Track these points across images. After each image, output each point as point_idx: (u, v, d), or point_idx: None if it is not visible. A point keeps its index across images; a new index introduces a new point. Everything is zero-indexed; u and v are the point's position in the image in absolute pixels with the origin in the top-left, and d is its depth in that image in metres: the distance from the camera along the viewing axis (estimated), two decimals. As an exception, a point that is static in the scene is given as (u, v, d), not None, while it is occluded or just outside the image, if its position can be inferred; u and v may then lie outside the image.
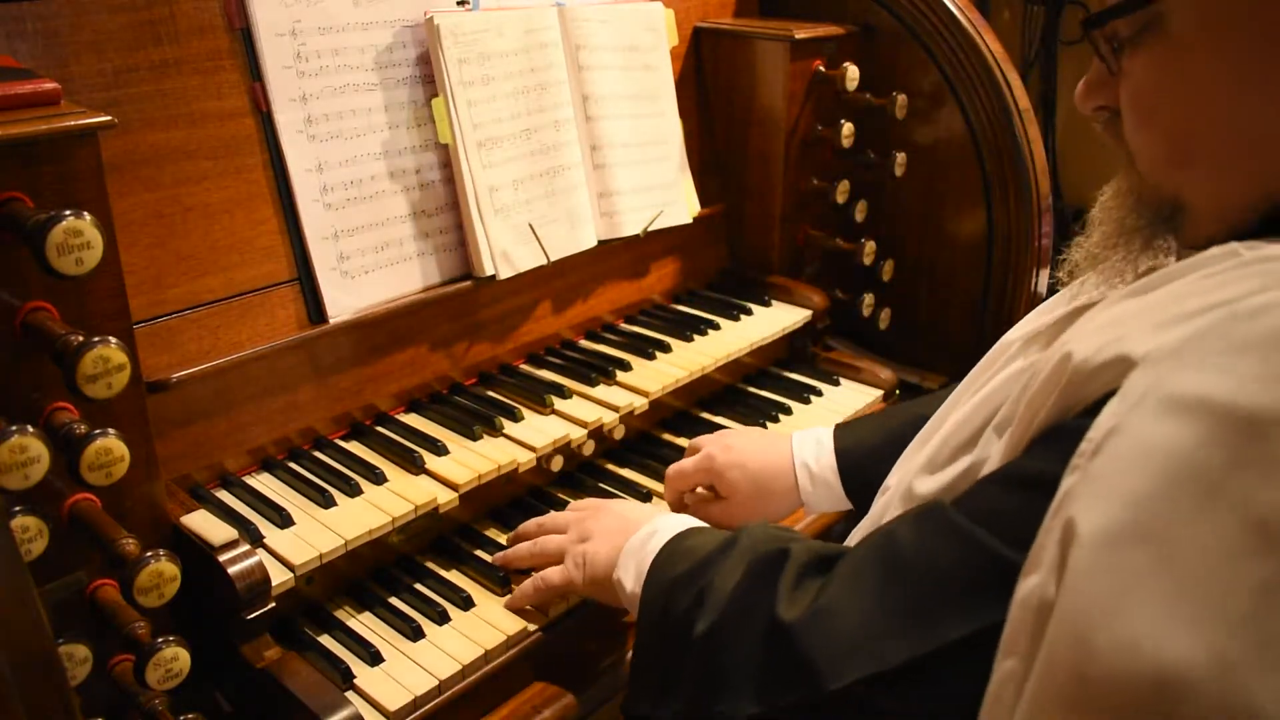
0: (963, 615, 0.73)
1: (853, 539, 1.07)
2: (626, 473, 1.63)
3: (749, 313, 1.93)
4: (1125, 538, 0.59)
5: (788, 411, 1.80)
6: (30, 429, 0.92)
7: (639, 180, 1.83)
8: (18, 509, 0.95)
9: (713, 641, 0.93)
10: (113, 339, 0.96)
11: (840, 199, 2.01)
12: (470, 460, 1.42)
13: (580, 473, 1.61)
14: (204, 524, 1.16)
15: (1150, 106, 0.80)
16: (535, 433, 1.50)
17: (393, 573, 1.37)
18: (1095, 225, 0.94)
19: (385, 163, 1.52)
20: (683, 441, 1.70)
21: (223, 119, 1.36)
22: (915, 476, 0.95)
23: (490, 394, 1.61)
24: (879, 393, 1.88)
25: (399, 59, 1.54)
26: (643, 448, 1.69)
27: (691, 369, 1.71)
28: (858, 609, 0.80)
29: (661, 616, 1.01)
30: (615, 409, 1.58)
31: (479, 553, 1.41)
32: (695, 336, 1.82)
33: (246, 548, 1.15)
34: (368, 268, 1.50)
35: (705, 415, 1.80)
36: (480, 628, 1.27)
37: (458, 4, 1.62)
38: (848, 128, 1.95)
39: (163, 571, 1.00)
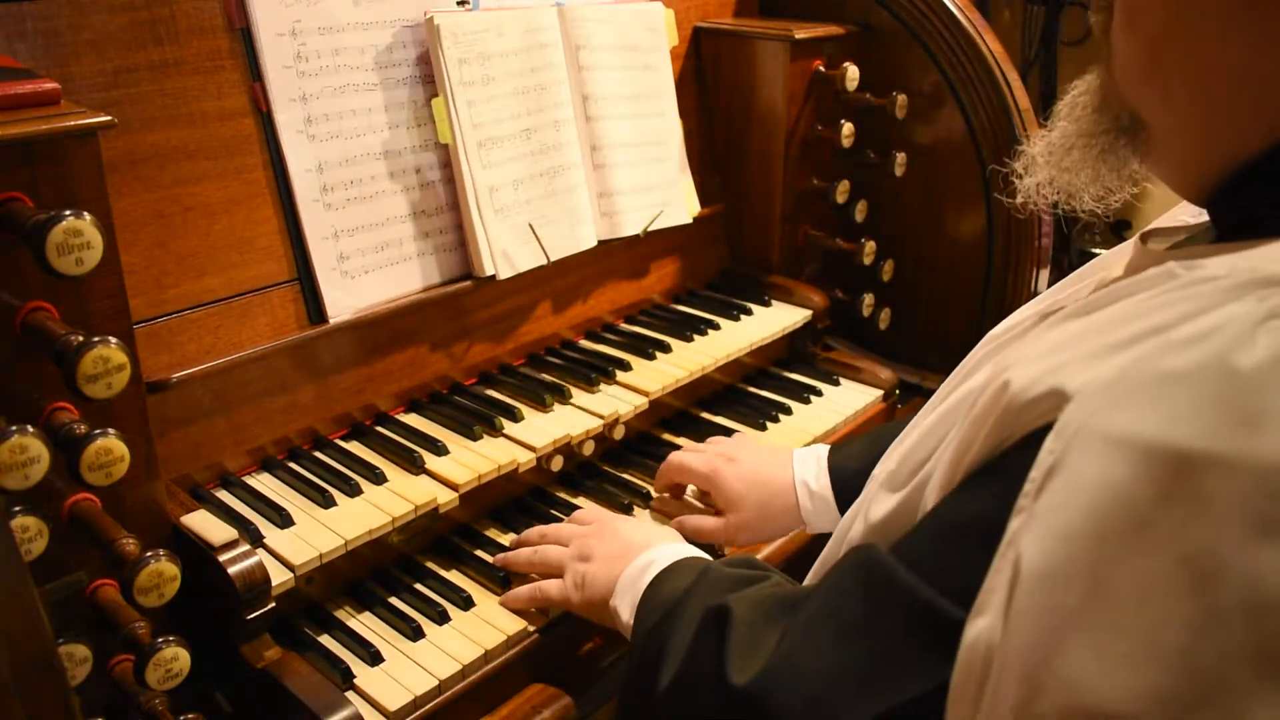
0: (911, 676, 0.72)
1: (835, 537, 1.05)
2: (626, 473, 1.63)
3: (749, 313, 1.93)
4: (1059, 576, 0.59)
5: (788, 411, 1.80)
6: (30, 429, 0.92)
7: (639, 180, 1.83)
8: (18, 509, 0.95)
9: (672, 699, 0.92)
10: (113, 339, 0.96)
11: (840, 199, 2.01)
12: (470, 460, 1.42)
13: (580, 473, 1.61)
14: (204, 524, 1.16)
15: (1141, 8, 0.75)
16: (535, 433, 1.50)
17: (393, 573, 1.37)
18: (1059, 118, 0.90)
19: (385, 163, 1.52)
20: (683, 441, 1.71)
21: (223, 119, 1.36)
22: (876, 493, 0.94)
23: (490, 394, 1.61)
24: (879, 393, 1.88)
25: (399, 59, 1.54)
26: (643, 448, 1.69)
27: (691, 369, 1.71)
28: (807, 673, 0.79)
29: (639, 663, 1.01)
30: (615, 409, 1.58)
31: (479, 553, 1.41)
32: (695, 336, 1.82)
33: (246, 548, 1.14)
34: (368, 268, 1.50)
35: (705, 415, 1.80)
36: (480, 628, 1.27)
37: (458, 4, 1.62)
38: (848, 128, 1.95)
39: (163, 571, 1.00)
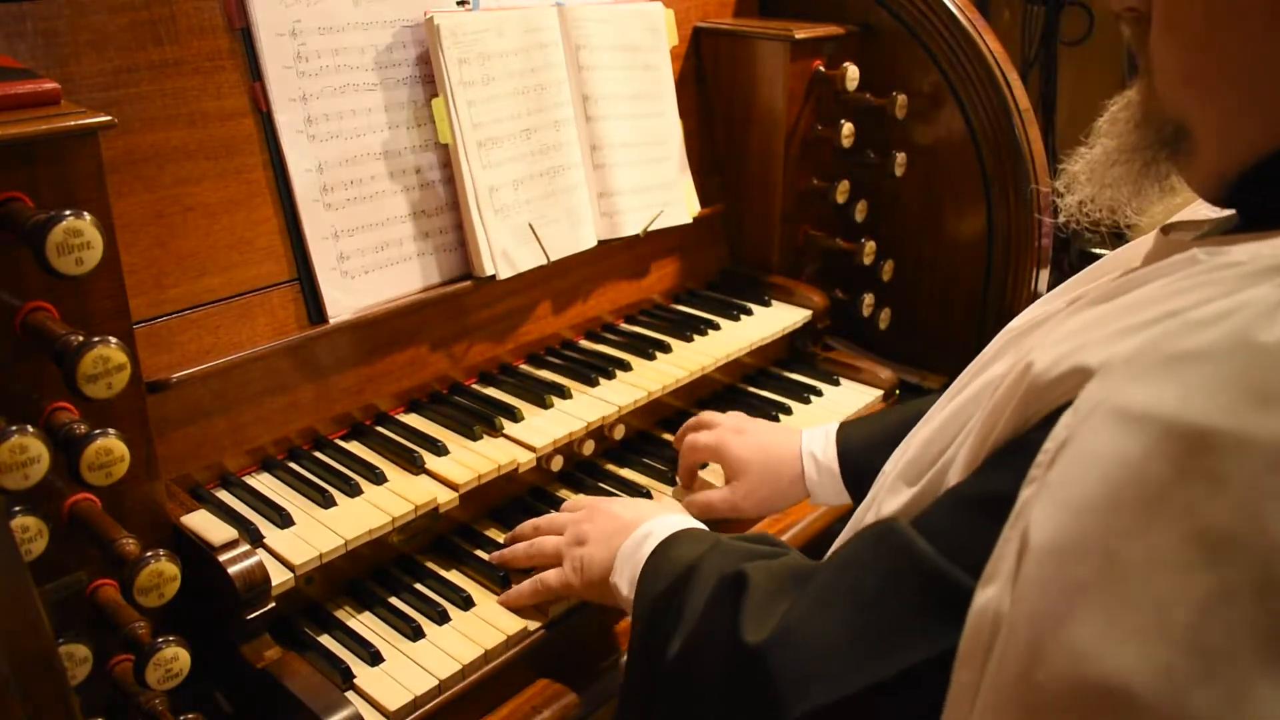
0: (921, 641, 0.73)
1: (850, 528, 1.06)
2: (626, 473, 1.63)
3: (749, 313, 1.93)
4: (1070, 548, 0.60)
5: (788, 411, 1.80)
6: (30, 429, 0.92)
7: (639, 180, 1.83)
8: (18, 509, 0.95)
9: (682, 663, 0.93)
10: (113, 339, 0.96)
11: (840, 199, 2.01)
12: (470, 460, 1.42)
13: (580, 472, 1.61)
14: (204, 524, 1.16)
15: (1182, 12, 0.76)
16: (535, 433, 1.50)
17: (393, 573, 1.37)
18: (1099, 135, 0.91)
19: (385, 163, 1.52)
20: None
21: (223, 119, 1.36)
22: (891, 484, 0.94)
23: (490, 394, 1.61)
24: (879, 393, 1.88)
25: (399, 59, 1.54)
26: (643, 448, 1.69)
27: (691, 369, 1.71)
28: (820, 634, 0.80)
29: (647, 633, 1.02)
30: (615, 409, 1.58)
31: (479, 552, 1.41)
32: (695, 336, 1.82)
33: (246, 548, 1.14)
34: (368, 268, 1.50)
35: (705, 415, 1.80)
36: (480, 627, 1.27)
37: (458, 4, 1.62)
38: (848, 128, 1.95)
39: (163, 571, 1.00)
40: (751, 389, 1.89)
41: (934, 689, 0.70)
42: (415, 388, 1.58)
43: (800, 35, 1.89)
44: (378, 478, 1.37)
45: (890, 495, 0.92)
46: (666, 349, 1.76)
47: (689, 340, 1.81)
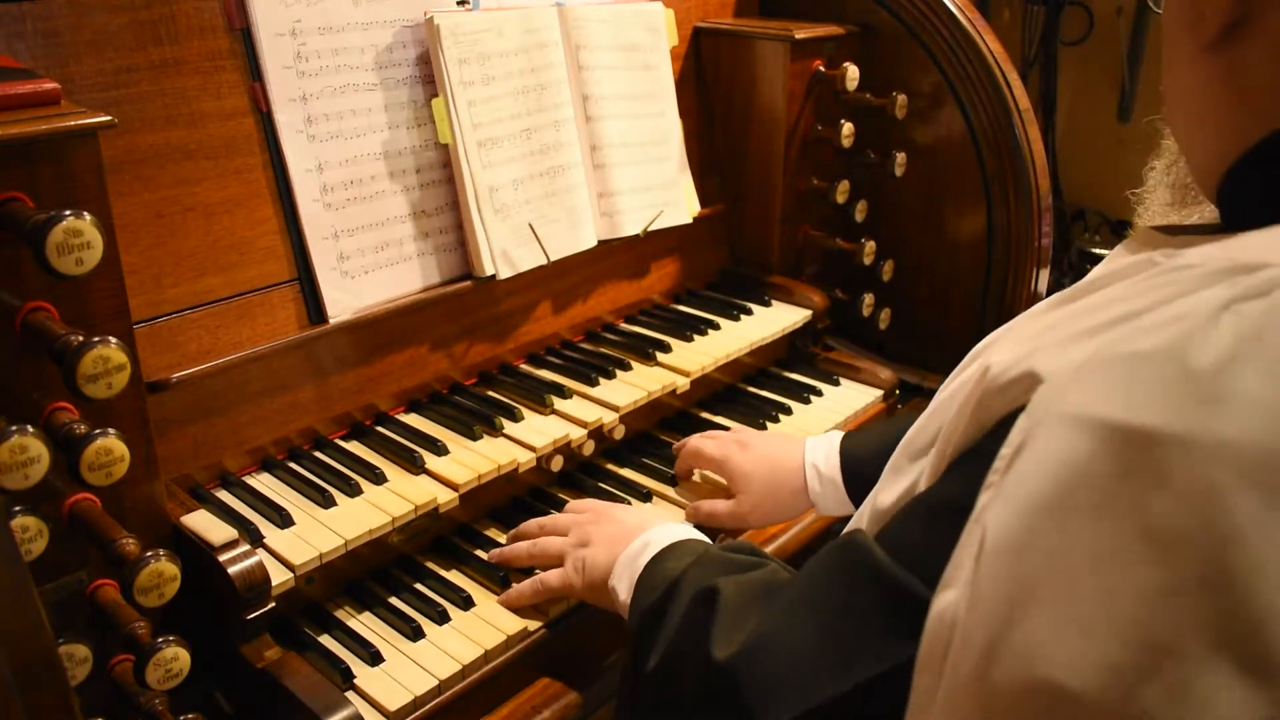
0: (881, 654, 0.74)
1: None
2: (626, 473, 1.63)
3: (749, 313, 1.93)
4: (1021, 547, 0.61)
5: (788, 411, 1.80)
6: (30, 429, 0.92)
7: (639, 180, 1.83)
8: (18, 509, 0.95)
9: (661, 676, 0.95)
10: (113, 339, 0.96)
11: (840, 199, 2.01)
12: (470, 460, 1.42)
13: (580, 473, 1.61)
14: (204, 524, 1.16)
15: (1164, 45, 0.83)
16: (535, 433, 1.50)
17: (393, 573, 1.37)
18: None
19: (385, 163, 1.52)
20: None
21: (223, 119, 1.36)
22: (885, 480, 0.95)
23: (490, 394, 1.61)
24: (879, 393, 1.88)
25: (399, 59, 1.54)
26: (643, 448, 1.69)
27: (691, 369, 1.71)
28: (785, 649, 0.82)
29: (634, 645, 1.04)
30: (615, 409, 1.58)
31: (479, 552, 1.41)
32: (695, 336, 1.82)
33: (246, 548, 1.15)
34: (368, 268, 1.50)
35: (705, 415, 1.80)
36: (480, 627, 1.27)
37: (458, 4, 1.62)
38: (848, 128, 1.95)
39: (163, 571, 1.00)
40: (751, 389, 1.89)
41: (897, 698, 0.71)
42: (415, 388, 1.58)
43: (800, 35, 1.89)
44: (378, 478, 1.37)
45: (883, 493, 0.93)
46: (666, 349, 1.76)
47: (689, 340, 1.81)
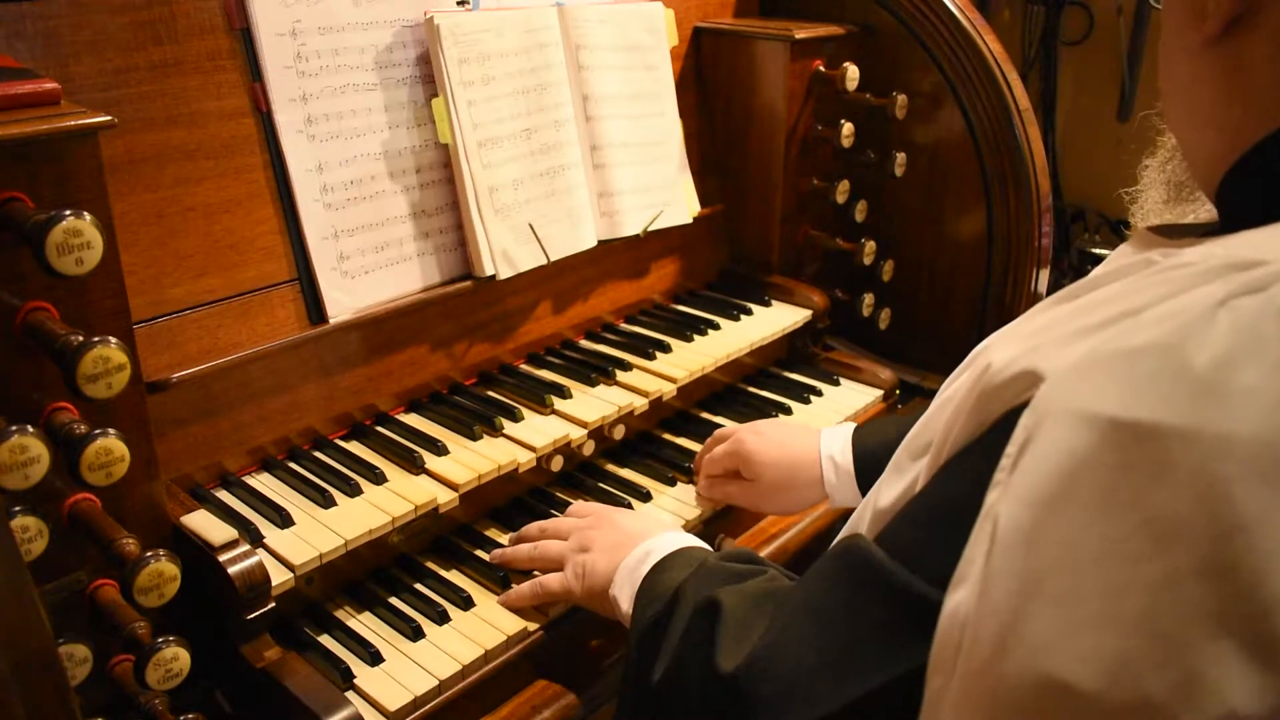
0: (889, 657, 0.74)
1: (848, 528, 1.07)
2: (626, 473, 1.63)
3: (749, 313, 1.93)
4: (1028, 541, 0.61)
5: (788, 411, 1.80)
6: (30, 429, 0.92)
7: (639, 180, 1.83)
8: (18, 509, 0.95)
9: (666, 689, 0.95)
10: (113, 339, 0.96)
11: (840, 199, 2.01)
12: (470, 460, 1.42)
13: (580, 473, 1.61)
14: (204, 524, 1.16)
15: (1160, 42, 0.83)
16: (535, 433, 1.50)
17: (393, 573, 1.37)
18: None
19: (385, 163, 1.52)
20: (683, 441, 1.71)
21: (223, 119, 1.36)
22: (886, 478, 0.95)
23: (490, 394, 1.61)
24: (879, 393, 1.88)
25: (399, 59, 1.54)
26: (643, 448, 1.69)
27: (692, 369, 1.71)
28: (791, 658, 0.81)
29: (636, 657, 1.03)
30: (615, 409, 1.58)
31: (479, 553, 1.41)
32: (695, 336, 1.82)
33: (246, 548, 1.14)
34: (368, 268, 1.50)
35: (705, 415, 1.80)
36: (480, 627, 1.27)
37: (458, 4, 1.62)
38: (848, 128, 1.95)
39: (163, 571, 1.00)
40: (751, 389, 1.89)
41: (907, 702, 0.70)
42: (415, 388, 1.58)
43: (800, 35, 1.89)
44: (378, 478, 1.37)
45: (884, 491, 0.93)
46: (666, 349, 1.76)
47: (689, 340, 1.81)
